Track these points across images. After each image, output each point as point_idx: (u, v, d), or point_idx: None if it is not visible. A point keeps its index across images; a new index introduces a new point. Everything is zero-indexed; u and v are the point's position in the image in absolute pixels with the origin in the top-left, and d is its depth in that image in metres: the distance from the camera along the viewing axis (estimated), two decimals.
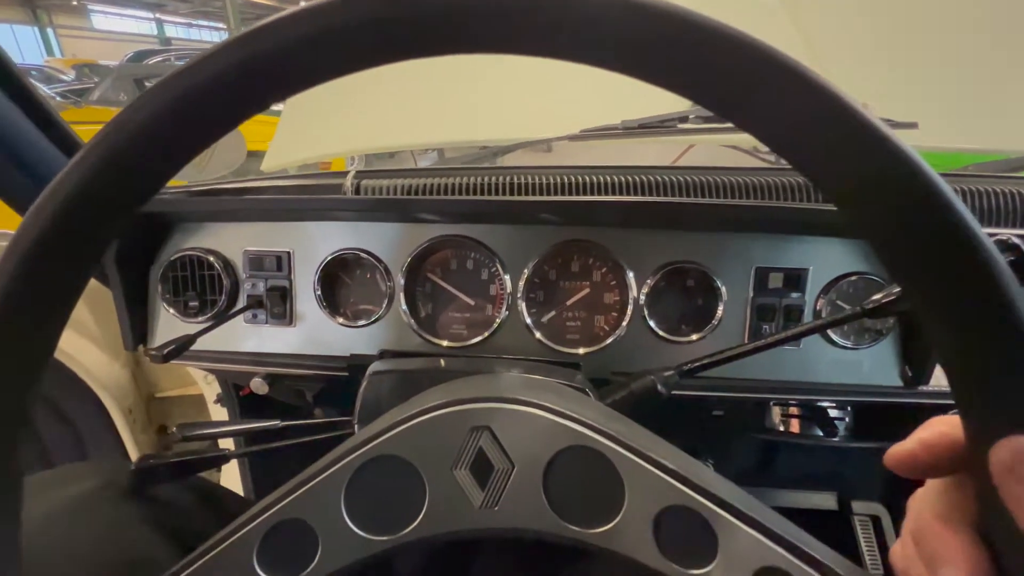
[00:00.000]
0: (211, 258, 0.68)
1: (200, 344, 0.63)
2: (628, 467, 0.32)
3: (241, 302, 0.69)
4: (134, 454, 0.92)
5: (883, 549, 0.86)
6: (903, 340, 0.64)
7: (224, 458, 0.54)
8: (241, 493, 0.93)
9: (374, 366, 0.55)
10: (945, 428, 0.24)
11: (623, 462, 0.32)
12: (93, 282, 0.83)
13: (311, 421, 0.58)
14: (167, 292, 0.69)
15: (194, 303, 0.68)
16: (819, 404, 0.67)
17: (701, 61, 0.19)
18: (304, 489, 0.33)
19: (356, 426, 0.51)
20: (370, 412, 0.51)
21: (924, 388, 0.63)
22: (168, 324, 0.71)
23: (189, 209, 0.69)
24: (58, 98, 5.74)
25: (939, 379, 0.62)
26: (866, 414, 0.72)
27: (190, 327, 0.66)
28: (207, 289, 0.69)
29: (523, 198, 0.67)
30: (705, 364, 0.53)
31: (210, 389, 0.98)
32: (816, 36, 0.95)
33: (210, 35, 18.06)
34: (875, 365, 0.64)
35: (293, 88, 0.21)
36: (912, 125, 0.72)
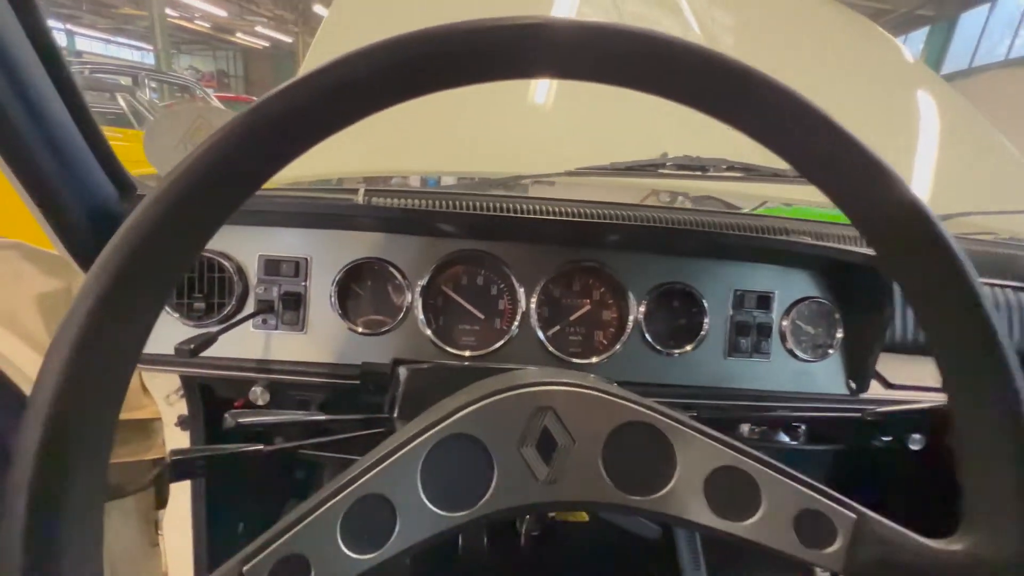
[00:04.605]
0: (223, 261, 0.66)
1: None
2: (679, 437, 0.35)
3: (249, 307, 0.68)
4: None
5: None
6: (846, 356, 0.76)
7: (261, 452, 0.51)
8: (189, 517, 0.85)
9: (408, 366, 0.56)
10: None
11: (674, 433, 0.36)
12: (45, 286, 0.76)
13: (351, 416, 0.57)
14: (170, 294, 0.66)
15: (200, 305, 0.66)
16: (783, 415, 0.77)
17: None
18: (384, 465, 0.34)
19: (396, 422, 0.52)
20: (414, 404, 0.52)
21: (864, 396, 0.75)
22: (167, 327, 0.67)
23: None
24: None
25: (875, 389, 0.75)
26: (818, 424, 0.84)
27: (192, 332, 0.63)
28: (214, 292, 0.67)
29: (541, 216, 0.73)
30: None
31: (171, 411, 0.90)
32: None
33: (129, 53, 17.06)
34: (827, 376, 0.75)
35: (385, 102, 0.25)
36: None
